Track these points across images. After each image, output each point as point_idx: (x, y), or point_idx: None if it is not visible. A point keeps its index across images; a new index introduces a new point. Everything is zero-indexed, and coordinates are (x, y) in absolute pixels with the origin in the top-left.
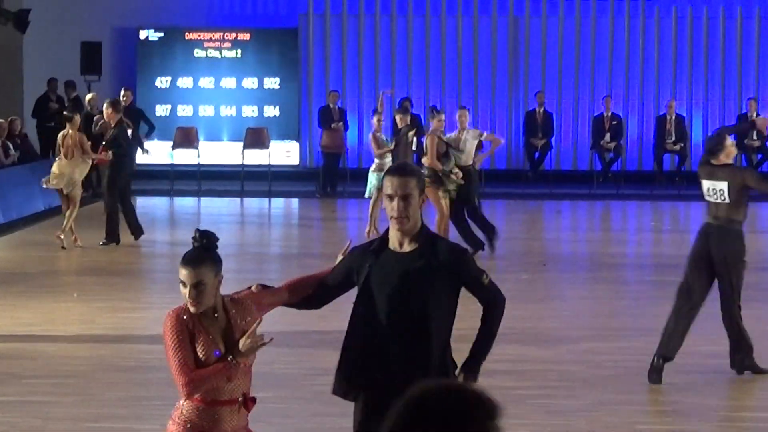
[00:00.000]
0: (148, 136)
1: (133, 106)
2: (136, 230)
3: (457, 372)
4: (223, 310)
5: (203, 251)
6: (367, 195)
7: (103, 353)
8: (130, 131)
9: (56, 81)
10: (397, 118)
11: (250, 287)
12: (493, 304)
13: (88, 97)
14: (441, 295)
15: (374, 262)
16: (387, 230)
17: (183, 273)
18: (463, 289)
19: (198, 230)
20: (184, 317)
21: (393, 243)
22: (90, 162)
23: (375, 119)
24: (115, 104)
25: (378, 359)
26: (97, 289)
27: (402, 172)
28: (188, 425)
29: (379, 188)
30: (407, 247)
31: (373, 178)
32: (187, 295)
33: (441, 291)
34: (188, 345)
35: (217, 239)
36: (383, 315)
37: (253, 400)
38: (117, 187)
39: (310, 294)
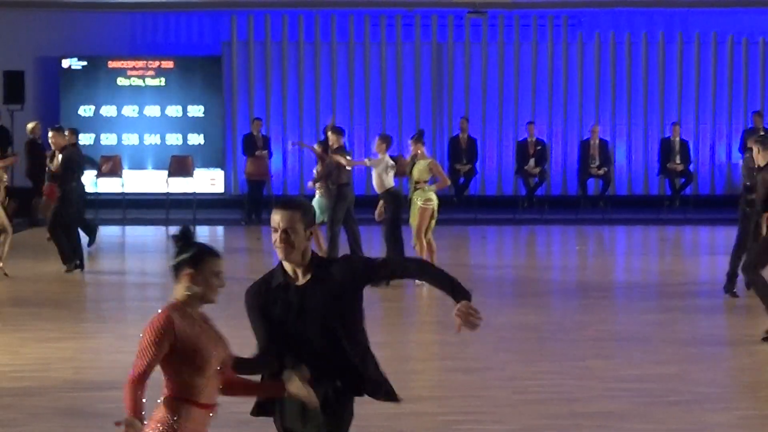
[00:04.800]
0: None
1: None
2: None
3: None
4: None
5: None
6: None
7: (29, 384)
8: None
9: None
10: (332, 137)
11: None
12: (401, 265)
13: (30, 126)
14: (346, 312)
15: (283, 296)
16: (280, 263)
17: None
18: None
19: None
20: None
21: (290, 274)
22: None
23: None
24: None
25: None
26: (22, 319)
27: (284, 206)
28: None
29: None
30: (302, 280)
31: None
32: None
33: (345, 308)
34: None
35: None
36: (296, 341)
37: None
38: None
39: (260, 363)
